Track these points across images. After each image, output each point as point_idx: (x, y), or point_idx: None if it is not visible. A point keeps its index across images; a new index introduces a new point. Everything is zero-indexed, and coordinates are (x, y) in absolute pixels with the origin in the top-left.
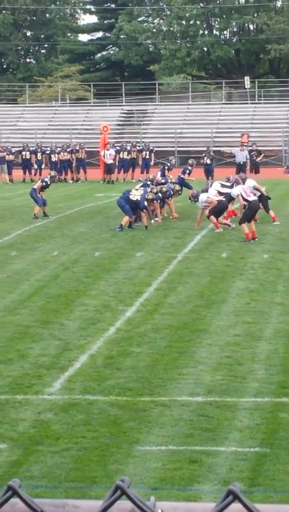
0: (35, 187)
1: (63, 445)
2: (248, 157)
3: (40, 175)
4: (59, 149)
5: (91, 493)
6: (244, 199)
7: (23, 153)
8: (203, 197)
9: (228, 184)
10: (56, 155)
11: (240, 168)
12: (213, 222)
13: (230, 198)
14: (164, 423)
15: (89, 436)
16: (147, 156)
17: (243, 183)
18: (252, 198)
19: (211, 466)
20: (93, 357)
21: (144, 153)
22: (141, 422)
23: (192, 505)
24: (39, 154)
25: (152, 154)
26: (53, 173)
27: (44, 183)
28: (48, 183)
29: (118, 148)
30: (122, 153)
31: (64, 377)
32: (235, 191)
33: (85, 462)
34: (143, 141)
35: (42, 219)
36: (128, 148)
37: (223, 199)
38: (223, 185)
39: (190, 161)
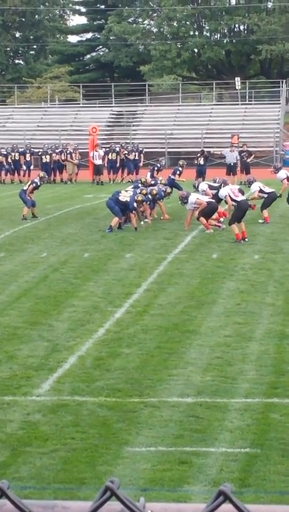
0: (24, 188)
1: (52, 446)
2: (238, 158)
3: (29, 176)
4: (50, 151)
5: (80, 494)
6: (232, 199)
7: (12, 154)
8: (192, 198)
9: (216, 185)
10: (48, 156)
11: (231, 169)
12: (203, 224)
13: (218, 199)
14: (153, 424)
15: (78, 438)
16: (136, 157)
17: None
18: (240, 198)
19: (201, 467)
20: (82, 358)
21: (133, 154)
22: (130, 423)
23: (182, 506)
24: (28, 155)
25: (142, 155)
26: (42, 174)
27: (34, 185)
28: (38, 184)
29: (107, 149)
30: (110, 154)
31: (53, 379)
32: (223, 192)
33: (73, 463)
34: (132, 142)
35: (30, 220)
36: (116, 149)
37: (213, 200)
38: (210, 187)
39: (180, 162)
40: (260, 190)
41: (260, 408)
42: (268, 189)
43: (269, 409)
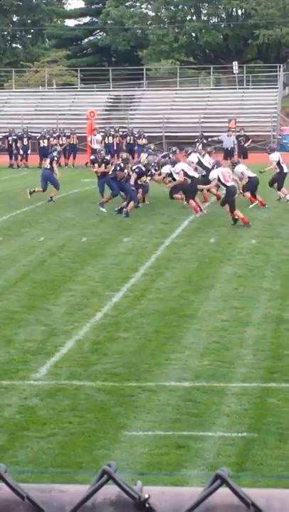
0: (48, 167)
1: (49, 430)
2: (236, 142)
3: (26, 160)
4: (48, 135)
5: (77, 478)
6: (222, 183)
7: (10, 138)
8: (179, 165)
9: (208, 165)
10: (45, 140)
11: (228, 153)
12: (192, 206)
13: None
14: (151, 408)
15: (75, 422)
16: (131, 141)
17: (234, 167)
18: (230, 183)
19: (199, 451)
20: (80, 342)
21: (128, 138)
22: (128, 407)
23: (180, 489)
24: (25, 140)
25: (144, 139)
26: (55, 153)
27: (55, 158)
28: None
29: (103, 133)
30: (106, 138)
31: (50, 363)
32: (213, 174)
33: (71, 447)
34: (130, 127)
35: (29, 204)
36: (112, 133)
37: (197, 176)
38: (199, 163)
39: (173, 148)
40: (221, 182)
41: (257, 393)
42: (250, 173)
43: (266, 394)
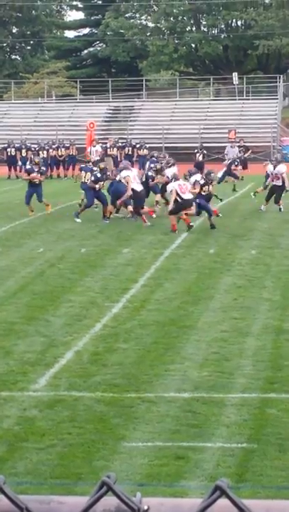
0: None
1: (48, 442)
2: (238, 154)
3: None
4: (47, 147)
5: (76, 489)
6: (179, 196)
7: (8, 149)
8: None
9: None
10: (45, 152)
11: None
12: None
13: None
14: (150, 419)
15: (74, 433)
16: (130, 152)
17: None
18: (186, 196)
19: (198, 462)
20: (79, 353)
21: (126, 149)
22: (127, 418)
23: (179, 501)
24: (23, 151)
25: (145, 150)
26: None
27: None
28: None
29: (105, 145)
30: (111, 149)
31: (49, 374)
32: (169, 187)
33: (70, 459)
34: (129, 138)
35: (27, 216)
36: (117, 144)
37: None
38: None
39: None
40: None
41: (257, 403)
42: (186, 194)
43: (266, 405)
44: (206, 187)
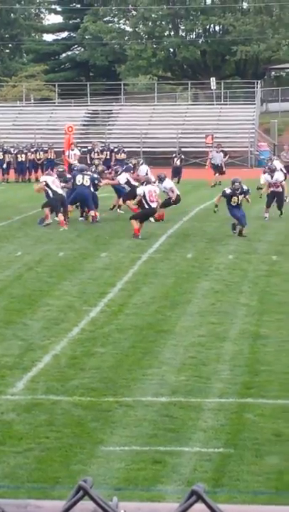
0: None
1: (26, 445)
2: (223, 159)
3: (3, 175)
4: (25, 150)
5: (54, 493)
6: (146, 201)
7: None
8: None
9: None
10: (23, 155)
11: (217, 168)
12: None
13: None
14: (127, 423)
15: (52, 437)
16: (108, 157)
17: (161, 182)
18: (153, 204)
19: (175, 466)
20: (57, 357)
21: (105, 153)
22: (104, 422)
23: (156, 505)
24: (0, 154)
25: (122, 154)
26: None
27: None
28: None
29: (87, 148)
30: (92, 153)
31: (27, 378)
32: (139, 190)
33: (47, 462)
34: (107, 142)
35: (5, 219)
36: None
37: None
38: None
39: (133, 161)
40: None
41: (234, 408)
42: (154, 203)
43: (243, 409)
44: (235, 197)
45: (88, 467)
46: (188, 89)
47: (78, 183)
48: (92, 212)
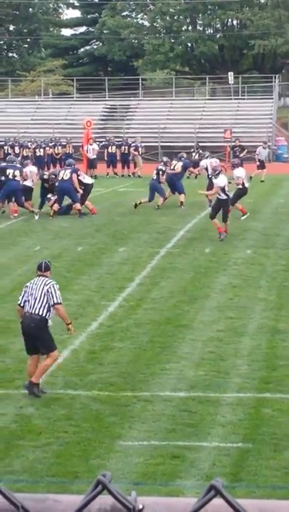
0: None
1: (45, 440)
2: (267, 155)
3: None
4: (44, 145)
5: (73, 487)
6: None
7: (5, 147)
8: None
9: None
10: (42, 150)
11: (262, 164)
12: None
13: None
14: (146, 418)
15: (71, 431)
16: (126, 151)
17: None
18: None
19: (194, 461)
20: (75, 352)
21: (122, 148)
22: (123, 417)
23: (174, 500)
24: (16, 148)
25: (139, 149)
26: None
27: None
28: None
29: (105, 143)
30: (110, 147)
31: (46, 372)
32: (222, 181)
33: (66, 457)
34: (125, 136)
35: (25, 214)
36: (115, 143)
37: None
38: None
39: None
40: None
41: (252, 403)
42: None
43: (261, 404)
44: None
45: (107, 461)
46: (206, 83)
47: (59, 178)
48: (77, 206)
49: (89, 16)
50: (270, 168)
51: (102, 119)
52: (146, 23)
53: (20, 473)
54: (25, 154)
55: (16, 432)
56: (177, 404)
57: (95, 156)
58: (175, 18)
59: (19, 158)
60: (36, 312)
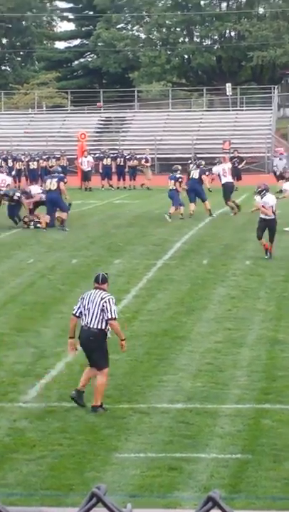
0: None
1: (39, 453)
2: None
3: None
4: (37, 157)
5: (68, 500)
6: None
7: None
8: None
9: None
10: (35, 163)
11: (280, 176)
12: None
13: None
14: (142, 430)
15: (65, 444)
16: (121, 163)
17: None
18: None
19: (191, 472)
20: (70, 364)
21: (118, 160)
22: (119, 429)
23: None
24: (9, 161)
25: (134, 161)
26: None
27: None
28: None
29: (100, 155)
30: (105, 160)
31: (40, 385)
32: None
33: (61, 470)
34: (121, 149)
35: (17, 226)
36: (110, 155)
37: None
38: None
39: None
40: None
41: (251, 414)
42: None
43: (260, 415)
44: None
45: (102, 474)
46: (203, 95)
47: (46, 189)
48: (64, 215)
49: (83, 29)
50: (267, 179)
51: (97, 132)
52: (142, 35)
53: (14, 487)
54: (18, 168)
55: (10, 445)
56: (174, 415)
57: (89, 169)
58: (172, 30)
59: (13, 172)
60: (95, 326)
